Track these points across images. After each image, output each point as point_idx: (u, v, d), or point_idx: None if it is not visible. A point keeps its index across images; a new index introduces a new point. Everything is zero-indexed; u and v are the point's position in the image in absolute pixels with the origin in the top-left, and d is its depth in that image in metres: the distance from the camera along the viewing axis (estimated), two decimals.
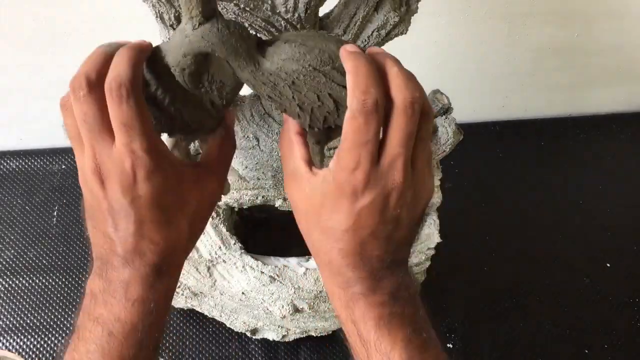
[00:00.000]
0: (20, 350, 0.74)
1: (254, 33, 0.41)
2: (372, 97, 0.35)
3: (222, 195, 0.57)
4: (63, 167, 0.90)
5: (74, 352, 0.40)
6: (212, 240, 0.62)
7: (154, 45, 0.40)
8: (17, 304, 0.77)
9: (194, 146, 0.56)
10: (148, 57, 0.39)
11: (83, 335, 0.40)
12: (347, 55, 0.37)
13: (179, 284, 0.66)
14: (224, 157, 0.45)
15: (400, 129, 0.36)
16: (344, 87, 0.38)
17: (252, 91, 0.54)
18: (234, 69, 0.39)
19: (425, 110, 0.38)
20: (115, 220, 0.38)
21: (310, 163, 0.41)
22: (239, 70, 0.38)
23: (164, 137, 0.43)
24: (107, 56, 0.38)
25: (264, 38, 0.41)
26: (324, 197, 0.38)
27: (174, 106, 0.40)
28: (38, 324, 0.76)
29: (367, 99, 0.35)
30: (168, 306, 0.42)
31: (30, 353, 0.74)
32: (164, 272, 0.40)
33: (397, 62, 0.38)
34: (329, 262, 0.40)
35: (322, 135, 0.43)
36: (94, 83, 0.36)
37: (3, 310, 0.77)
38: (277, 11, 0.43)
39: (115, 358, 0.38)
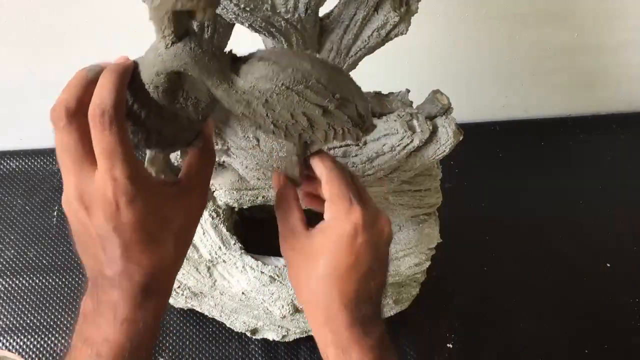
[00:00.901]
0: (20, 350, 0.74)
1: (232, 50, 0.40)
2: None
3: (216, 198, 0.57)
4: None
5: None
6: (212, 240, 0.62)
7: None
8: (17, 304, 0.77)
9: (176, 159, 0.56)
10: None
11: (74, 355, 0.40)
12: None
13: (178, 283, 0.66)
14: (204, 169, 0.45)
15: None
16: (318, 105, 0.38)
17: None
18: (208, 87, 0.38)
19: None
20: (103, 245, 0.38)
21: (306, 223, 0.45)
22: (212, 88, 0.38)
23: None
24: (87, 81, 0.37)
25: (240, 56, 0.40)
26: (322, 245, 0.43)
27: (149, 121, 0.39)
28: (38, 324, 0.76)
29: None
30: (157, 326, 0.42)
31: (30, 353, 0.74)
32: (152, 291, 0.40)
33: None
34: (325, 308, 0.43)
35: (300, 149, 0.45)
36: (73, 112, 0.36)
37: (3, 310, 0.77)
38: (277, 11, 0.43)
39: None
